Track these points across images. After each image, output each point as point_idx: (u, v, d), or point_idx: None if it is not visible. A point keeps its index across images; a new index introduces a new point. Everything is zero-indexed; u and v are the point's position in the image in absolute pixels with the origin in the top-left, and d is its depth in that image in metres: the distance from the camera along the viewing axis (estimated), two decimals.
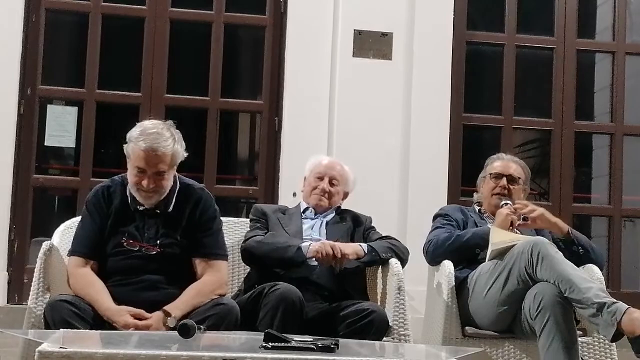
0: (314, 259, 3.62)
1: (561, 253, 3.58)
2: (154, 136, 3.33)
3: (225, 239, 3.62)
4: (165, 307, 3.19)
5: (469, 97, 6.30)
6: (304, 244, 3.65)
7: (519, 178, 4.13)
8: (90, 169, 5.88)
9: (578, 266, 3.60)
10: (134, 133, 3.37)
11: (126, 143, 3.39)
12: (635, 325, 3.21)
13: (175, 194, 3.44)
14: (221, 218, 3.61)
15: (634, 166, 6.83)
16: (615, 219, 6.39)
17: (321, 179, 3.99)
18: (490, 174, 4.14)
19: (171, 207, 3.43)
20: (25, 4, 5.77)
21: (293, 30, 5.99)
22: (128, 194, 3.43)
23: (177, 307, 3.21)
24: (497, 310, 3.66)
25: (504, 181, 4.09)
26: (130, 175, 3.38)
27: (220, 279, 3.41)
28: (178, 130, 3.43)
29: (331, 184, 3.99)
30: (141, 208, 3.42)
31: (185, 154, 3.44)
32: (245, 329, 3.17)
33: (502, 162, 4.17)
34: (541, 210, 3.98)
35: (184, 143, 3.42)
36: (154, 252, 3.37)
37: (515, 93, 6.39)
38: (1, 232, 5.61)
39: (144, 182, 3.33)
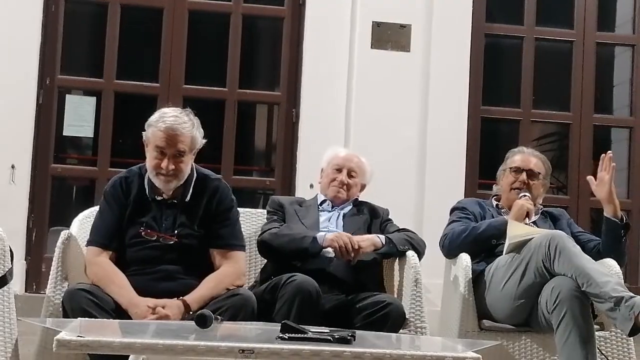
0: (330, 250, 3.62)
1: (579, 247, 3.57)
2: (173, 118, 3.37)
3: (242, 229, 3.62)
4: (184, 297, 3.20)
5: (487, 89, 6.28)
6: (320, 234, 3.65)
7: (539, 173, 4.07)
8: (108, 159, 5.91)
9: (596, 260, 3.59)
10: (153, 118, 3.42)
11: (145, 131, 3.41)
12: None
13: (193, 184, 3.45)
14: (238, 209, 3.61)
15: None
16: (633, 213, 6.35)
17: (339, 170, 3.97)
18: (511, 167, 4.08)
19: (188, 197, 3.43)
20: None
21: (311, 21, 5.99)
22: (146, 184, 3.44)
23: (195, 299, 3.22)
24: (514, 304, 3.64)
25: (523, 176, 4.03)
26: (150, 159, 3.39)
27: (238, 270, 3.42)
28: (197, 117, 3.45)
29: (349, 175, 3.97)
30: (159, 198, 3.43)
31: (204, 141, 3.45)
32: (261, 320, 3.16)
33: (522, 156, 4.11)
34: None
35: (202, 130, 3.44)
36: (172, 242, 3.38)
37: (534, 86, 6.37)
38: (20, 221, 5.65)
39: (164, 164, 3.33)
